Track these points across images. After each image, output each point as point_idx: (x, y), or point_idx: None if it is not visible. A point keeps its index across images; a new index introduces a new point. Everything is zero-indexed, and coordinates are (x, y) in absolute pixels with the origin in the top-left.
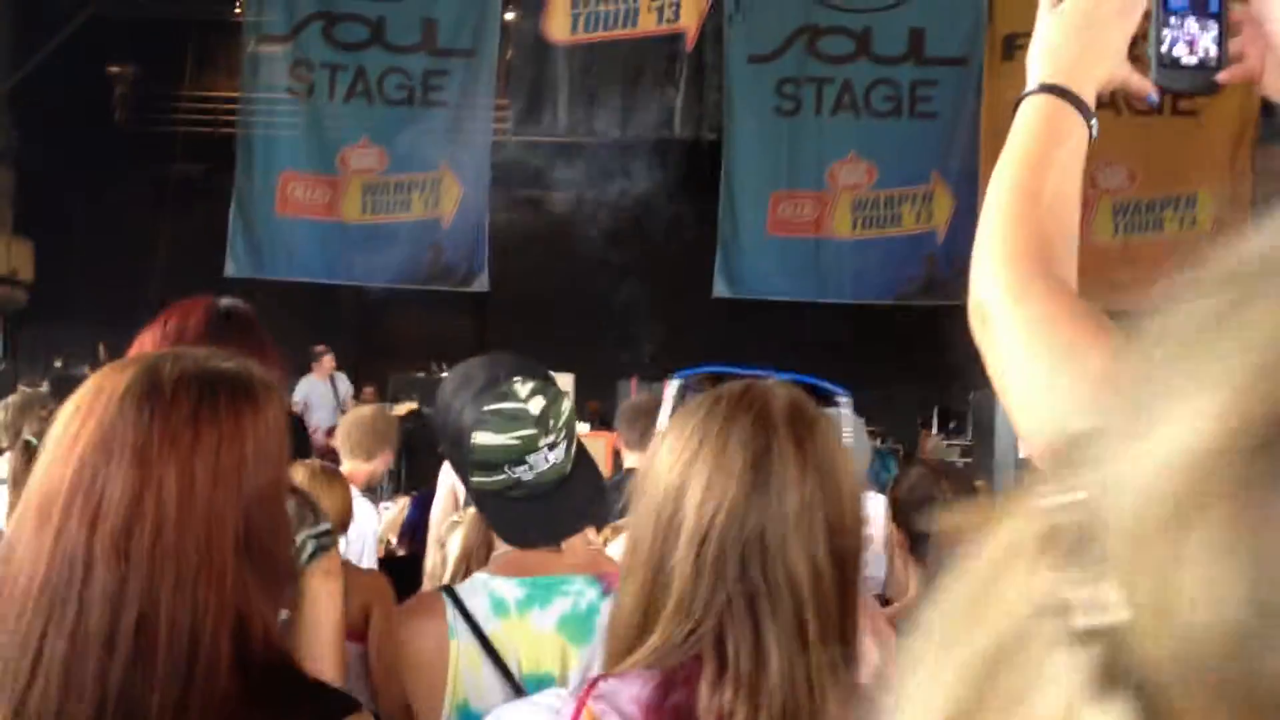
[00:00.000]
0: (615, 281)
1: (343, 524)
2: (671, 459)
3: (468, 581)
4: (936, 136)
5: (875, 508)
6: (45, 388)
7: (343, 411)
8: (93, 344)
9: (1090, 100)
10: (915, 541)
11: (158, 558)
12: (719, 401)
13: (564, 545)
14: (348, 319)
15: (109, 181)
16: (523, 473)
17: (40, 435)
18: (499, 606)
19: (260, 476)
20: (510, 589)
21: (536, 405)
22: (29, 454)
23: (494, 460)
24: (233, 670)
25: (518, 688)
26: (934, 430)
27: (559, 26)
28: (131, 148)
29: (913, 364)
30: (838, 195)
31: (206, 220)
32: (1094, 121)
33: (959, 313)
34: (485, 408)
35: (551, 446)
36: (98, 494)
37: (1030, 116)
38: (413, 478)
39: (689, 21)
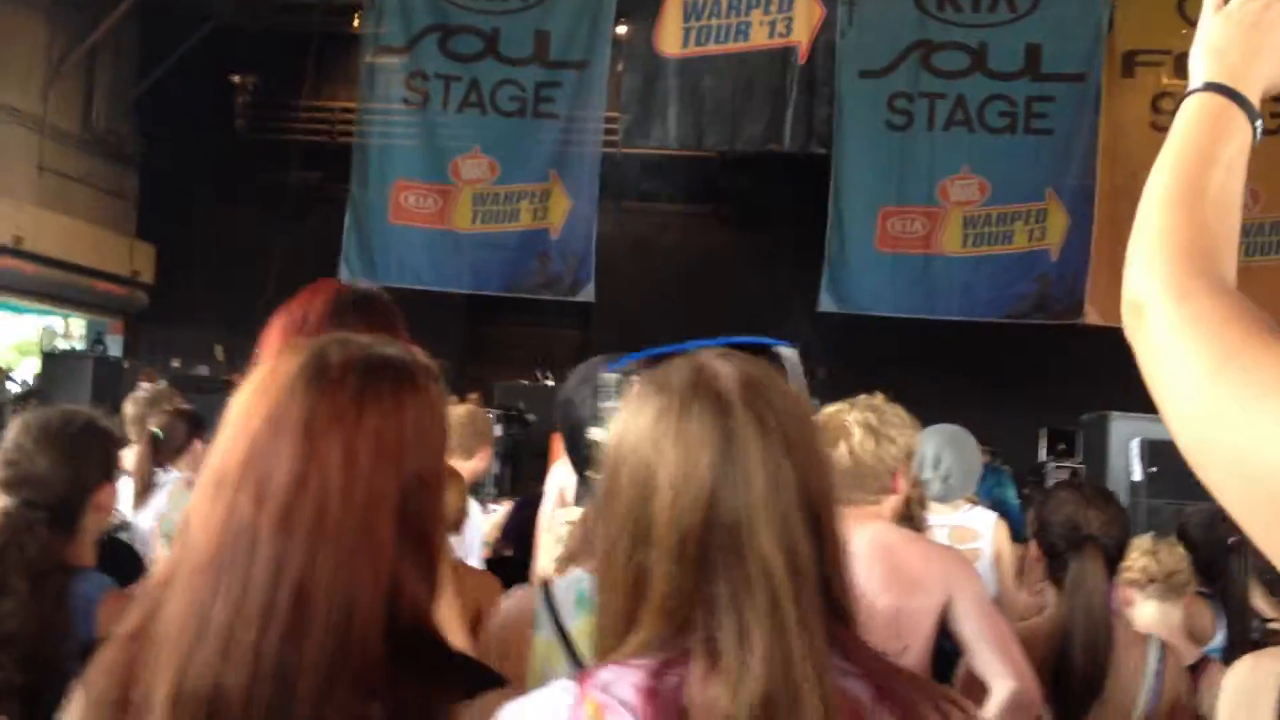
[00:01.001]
0: (720, 294)
1: (456, 523)
2: (634, 453)
3: (564, 578)
4: (1052, 154)
5: (985, 522)
6: (163, 385)
7: None
8: (209, 345)
9: (1256, 102)
10: (1054, 562)
11: (319, 532)
12: (671, 388)
13: None
14: (456, 326)
15: (229, 188)
16: None
17: (165, 429)
18: (583, 602)
19: (420, 458)
20: None
21: None
22: (155, 445)
23: None
24: (384, 642)
25: None
26: (1043, 452)
27: (671, 40)
28: (251, 155)
29: (1022, 384)
30: (949, 211)
31: (322, 227)
32: (1259, 123)
33: (1070, 332)
34: (603, 404)
35: None
36: (266, 470)
37: (1193, 114)
38: (517, 481)
39: (801, 35)
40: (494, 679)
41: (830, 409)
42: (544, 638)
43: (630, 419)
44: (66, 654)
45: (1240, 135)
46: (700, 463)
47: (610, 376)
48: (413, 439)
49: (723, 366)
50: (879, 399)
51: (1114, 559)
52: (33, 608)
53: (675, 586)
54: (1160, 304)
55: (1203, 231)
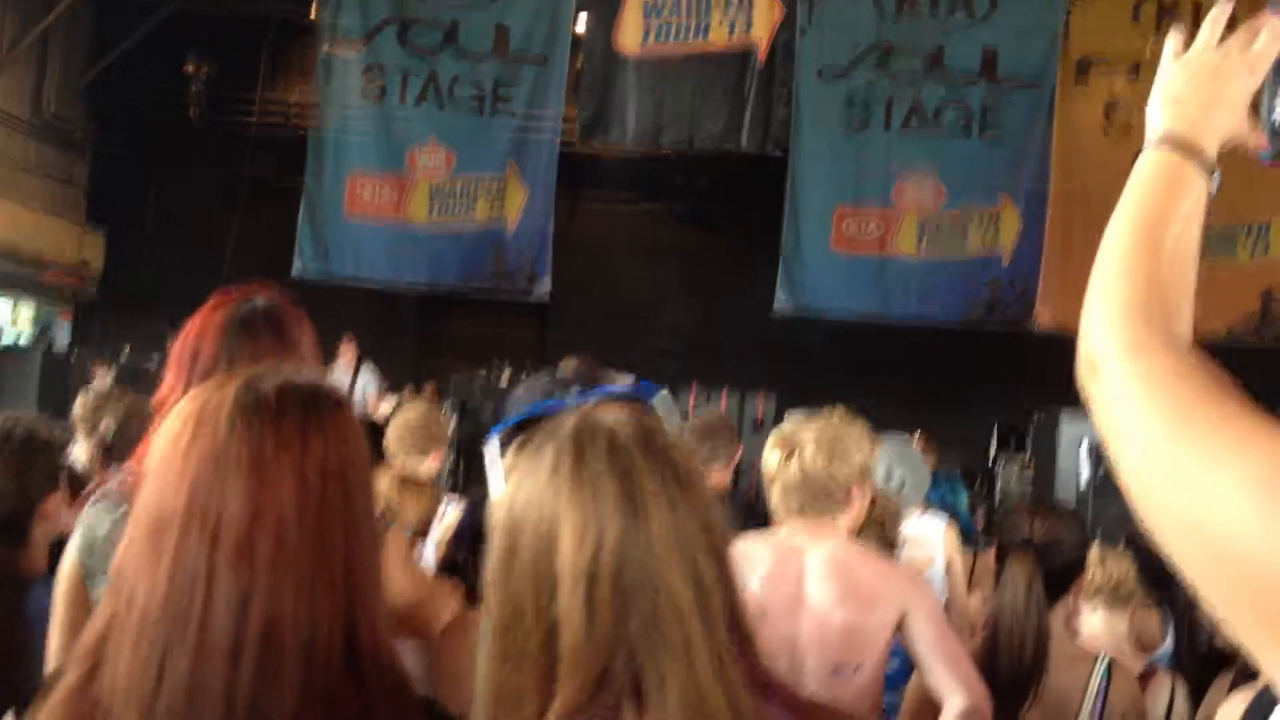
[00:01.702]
0: (676, 292)
1: (425, 528)
2: (533, 510)
3: None
4: (1006, 158)
5: (936, 529)
6: (111, 376)
7: (364, 406)
8: (159, 336)
9: (1212, 155)
10: (999, 568)
11: (280, 564)
12: (562, 442)
13: None
14: (411, 319)
15: (181, 177)
16: None
17: (117, 430)
18: None
19: (359, 478)
20: None
21: None
22: (104, 446)
23: None
24: (346, 669)
25: None
26: (993, 448)
27: (630, 38)
28: (205, 144)
29: (974, 384)
30: (903, 213)
31: (276, 219)
32: (1216, 177)
33: (1023, 333)
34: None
35: None
36: (215, 510)
37: (1149, 171)
38: (470, 476)
39: (760, 35)
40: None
41: (788, 426)
42: None
43: (523, 477)
44: (27, 670)
45: (1196, 190)
46: (604, 508)
47: (493, 441)
48: (354, 459)
49: (609, 414)
50: (837, 415)
51: (1055, 566)
52: None
53: (589, 635)
54: (1115, 361)
55: (1158, 289)
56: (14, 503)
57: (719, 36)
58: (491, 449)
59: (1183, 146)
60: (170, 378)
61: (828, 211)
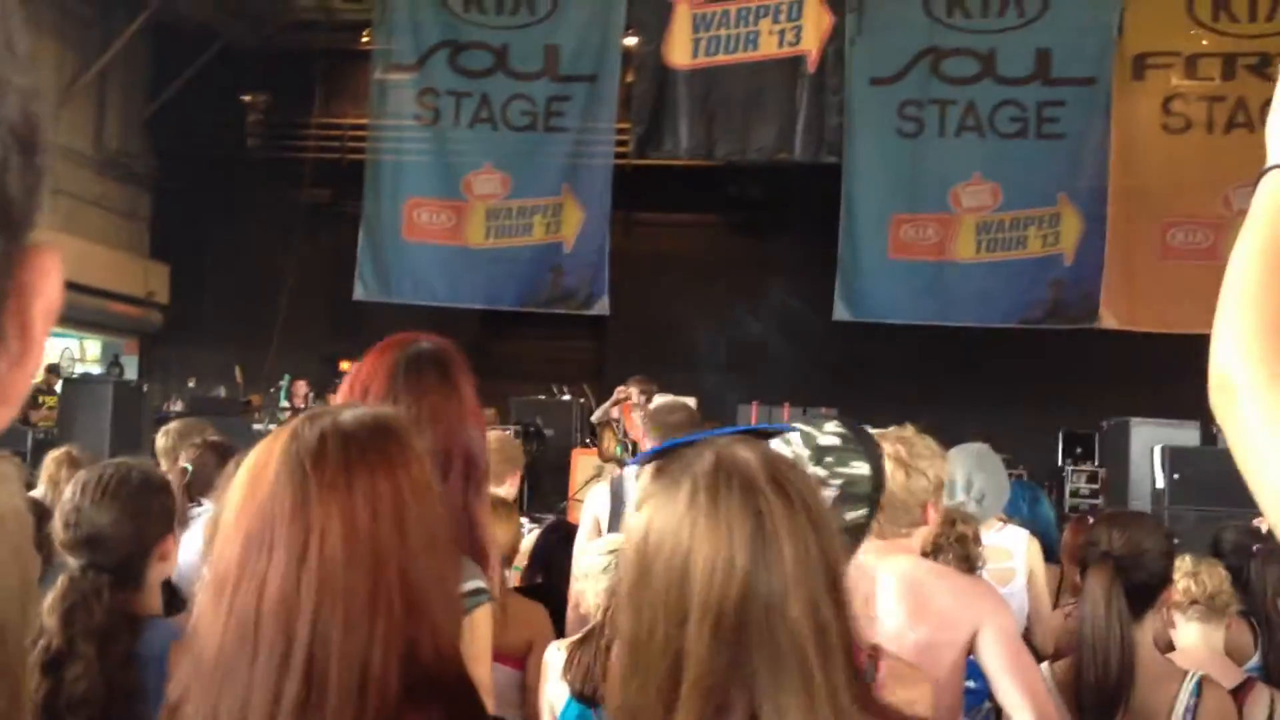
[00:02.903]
0: (733, 305)
1: (513, 553)
2: (668, 540)
3: None
4: (1064, 158)
5: (1018, 541)
6: (179, 407)
7: None
8: (225, 364)
9: None
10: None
11: (324, 607)
12: (699, 477)
13: None
14: (470, 341)
15: (242, 206)
16: None
17: (195, 462)
18: None
19: (418, 511)
20: None
21: None
22: (185, 479)
23: None
24: (404, 697)
25: None
26: (1060, 457)
27: (680, 51)
28: (263, 174)
29: (1039, 389)
30: (961, 218)
31: (334, 244)
32: None
33: (1087, 336)
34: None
35: None
36: (264, 562)
37: (1273, 191)
38: (535, 498)
39: (810, 45)
40: None
41: None
42: None
43: (659, 506)
44: (141, 712)
45: None
46: (734, 543)
47: (631, 469)
48: (408, 492)
49: (742, 451)
50: (909, 430)
51: (1139, 577)
52: (99, 670)
53: (713, 666)
54: (1251, 385)
55: None
56: (132, 546)
57: (769, 47)
58: (629, 475)
59: None
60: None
61: (884, 218)
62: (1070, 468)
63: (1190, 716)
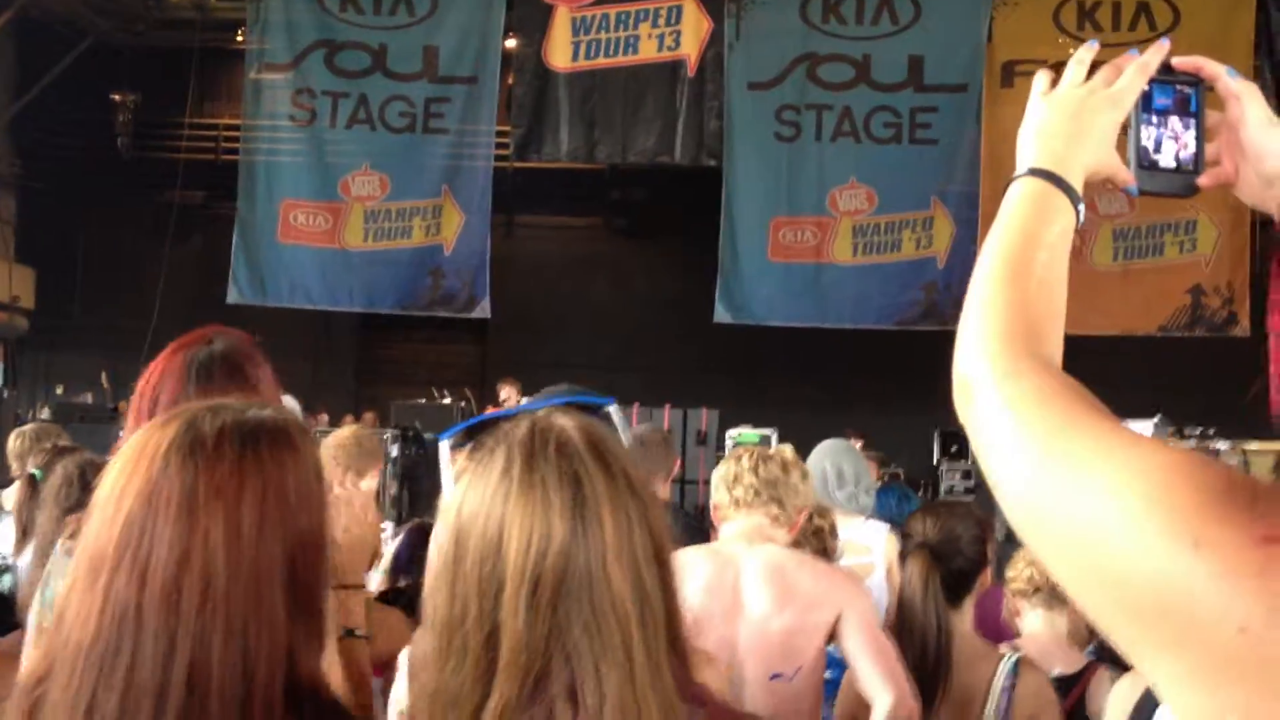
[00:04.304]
0: (615, 307)
1: (374, 557)
2: (481, 512)
3: None
4: (936, 163)
5: (877, 535)
6: (46, 414)
7: None
8: (93, 370)
9: (1078, 186)
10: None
11: (208, 608)
12: (513, 446)
13: None
14: (349, 345)
15: (110, 208)
16: None
17: (43, 468)
18: None
19: (304, 519)
20: None
21: None
22: (33, 487)
23: None
24: (287, 713)
25: None
26: (936, 455)
27: (560, 54)
28: (133, 175)
29: (914, 388)
30: (839, 221)
31: (207, 247)
32: (1081, 207)
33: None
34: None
35: None
36: (146, 550)
37: (1019, 198)
38: (415, 502)
39: (690, 49)
40: None
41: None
42: None
43: (473, 479)
44: None
45: (1063, 218)
46: (552, 510)
47: (444, 445)
48: (295, 502)
49: (560, 420)
50: (781, 454)
51: (956, 564)
52: None
53: (530, 637)
54: (987, 383)
55: (1028, 311)
56: None
57: (648, 51)
58: (443, 452)
59: (1050, 177)
60: (130, 423)
61: (764, 221)
62: (945, 465)
63: (1007, 696)
